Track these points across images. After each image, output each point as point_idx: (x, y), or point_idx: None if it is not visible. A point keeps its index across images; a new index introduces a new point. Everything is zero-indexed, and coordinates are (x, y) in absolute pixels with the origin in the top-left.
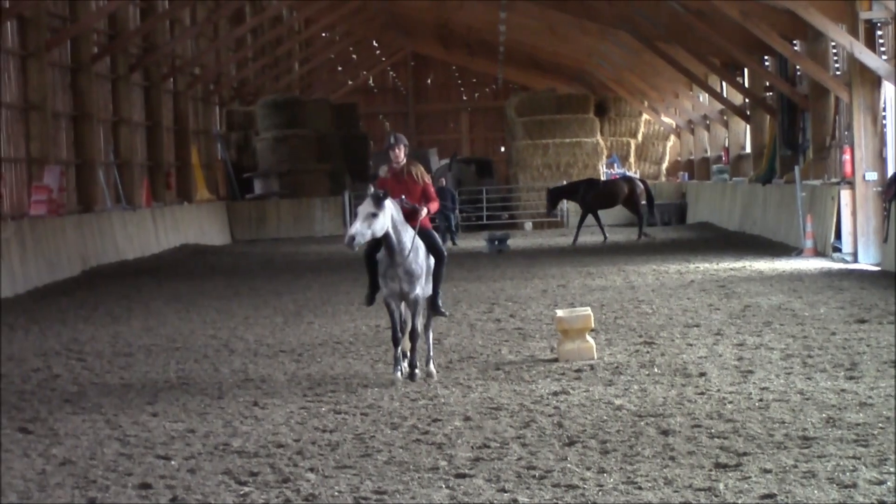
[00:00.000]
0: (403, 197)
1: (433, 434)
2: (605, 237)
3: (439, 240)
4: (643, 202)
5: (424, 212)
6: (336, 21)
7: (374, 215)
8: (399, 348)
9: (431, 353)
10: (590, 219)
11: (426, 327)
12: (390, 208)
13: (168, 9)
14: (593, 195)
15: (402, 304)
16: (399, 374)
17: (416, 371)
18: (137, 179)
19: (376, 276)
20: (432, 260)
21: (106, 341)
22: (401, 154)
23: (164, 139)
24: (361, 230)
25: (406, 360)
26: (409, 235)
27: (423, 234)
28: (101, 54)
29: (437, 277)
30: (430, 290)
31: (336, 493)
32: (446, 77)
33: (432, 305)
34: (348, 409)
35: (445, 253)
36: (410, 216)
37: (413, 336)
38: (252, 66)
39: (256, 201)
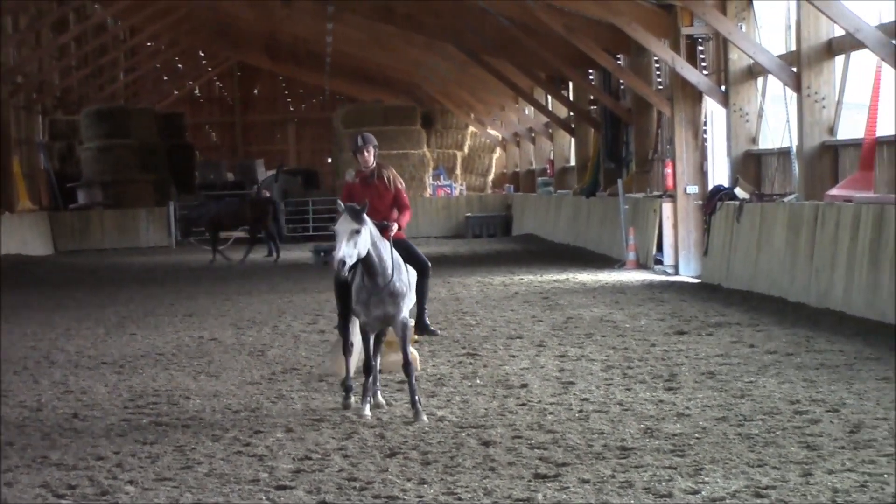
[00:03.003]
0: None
1: (254, 446)
2: (213, 259)
3: (418, 249)
4: (271, 222)
5: (395, 228)
6: (162, 30)
7: (358, 232)
8: (371, 378)
9: (418, 394)
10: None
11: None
12: (369, 222)
13: None
14: (217, 214)
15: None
16: (368, 407)
17: (420, 412)
18: None
19: (349, 302)
20: (413, 274)
21: None
22: (370, 157)
23: None
24: (349, 252)
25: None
26: (387, 251)
27: (400, 245)
28: None
29: (421, 292)
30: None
31: None
32: (273, 88)
33: (418, 325)
34: (170, 420)
35: (429, 264)
36: (380, 231)
37: (407, 369)
38: (76, 74)
39: (80, 211)
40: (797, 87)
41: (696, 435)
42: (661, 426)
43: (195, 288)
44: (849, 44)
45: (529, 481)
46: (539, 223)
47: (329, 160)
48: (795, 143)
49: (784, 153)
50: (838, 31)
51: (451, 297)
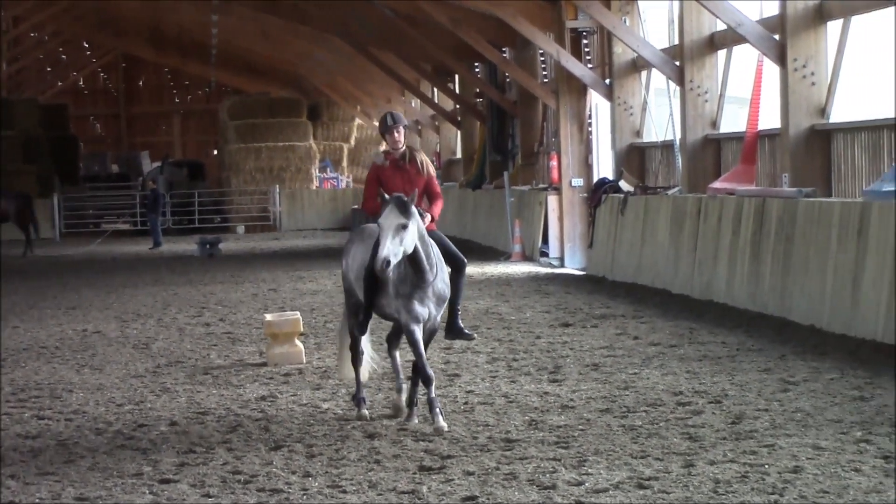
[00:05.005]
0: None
1: (138, 440)
2: (26, 252)
3: (451, 243)
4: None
5: (428, 219)
6: (45, 20)
7: (405, 227)
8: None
9: (437, 402)
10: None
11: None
12: (417, 215)
13: None
14: None
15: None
16: (414, 411)
17: (439, 414)
18: None
19: (375, 298)
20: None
21: None
22: (400, 138)
23: None
24: (394, 250)
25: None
26: (431, 246)
27: (433, 238)
28: None
29: (456, 291)
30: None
31: (37, 500)
32: (158, 79)
33: (451, 328)
34: (52, 414)
35: (465, 260)
36: None
37: (422, 372)
38: None
39: None
40: (680, 81)
41: (580, 427)
42: (545, 418)
43: (79, 280)
44: (731, 38)
45: (414, 474)
46: None
47: (215, 152)
48: (679, 136)
49: (668, 146)
50: (720, 26)
51: (338, 290)
